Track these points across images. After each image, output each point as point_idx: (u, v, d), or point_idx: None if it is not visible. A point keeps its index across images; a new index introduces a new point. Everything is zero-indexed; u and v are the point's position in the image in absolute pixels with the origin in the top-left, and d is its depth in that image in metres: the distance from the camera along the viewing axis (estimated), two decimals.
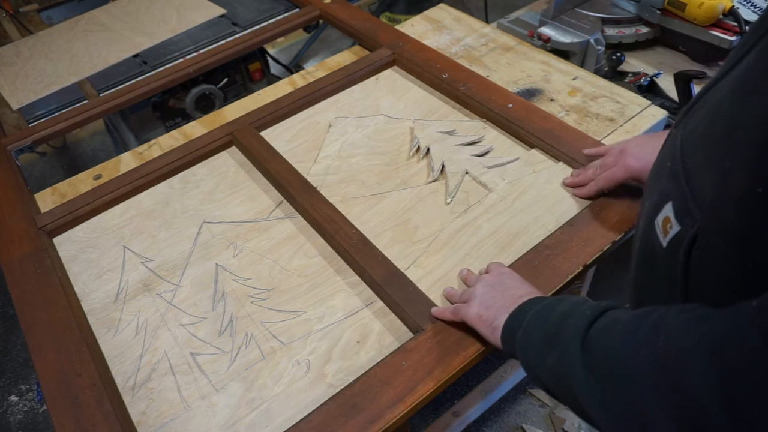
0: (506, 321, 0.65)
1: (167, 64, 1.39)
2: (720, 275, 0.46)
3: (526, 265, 0.81)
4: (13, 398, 1.76)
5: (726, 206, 0.44)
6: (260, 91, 1.24)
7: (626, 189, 0.85)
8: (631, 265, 0.62)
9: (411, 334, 0.77)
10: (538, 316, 0.61)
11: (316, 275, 0.87)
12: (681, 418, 0.40)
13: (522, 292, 0.69)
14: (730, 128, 0.45)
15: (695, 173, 0.49)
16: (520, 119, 1.02)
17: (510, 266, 0.81)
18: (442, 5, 1.46)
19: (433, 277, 0.84)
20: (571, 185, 0.91)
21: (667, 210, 0.52)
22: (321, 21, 1.49)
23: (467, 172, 0.98)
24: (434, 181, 0.98)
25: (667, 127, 0.79)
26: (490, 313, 0.68)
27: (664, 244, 0.52)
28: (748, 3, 1.36)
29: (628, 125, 1.07)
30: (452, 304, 0.78)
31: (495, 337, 0.67)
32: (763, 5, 1.35)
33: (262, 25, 1.46)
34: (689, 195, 0.49)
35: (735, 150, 0.44)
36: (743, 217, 0.43)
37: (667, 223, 0.52)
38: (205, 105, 1.54)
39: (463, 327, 0.74)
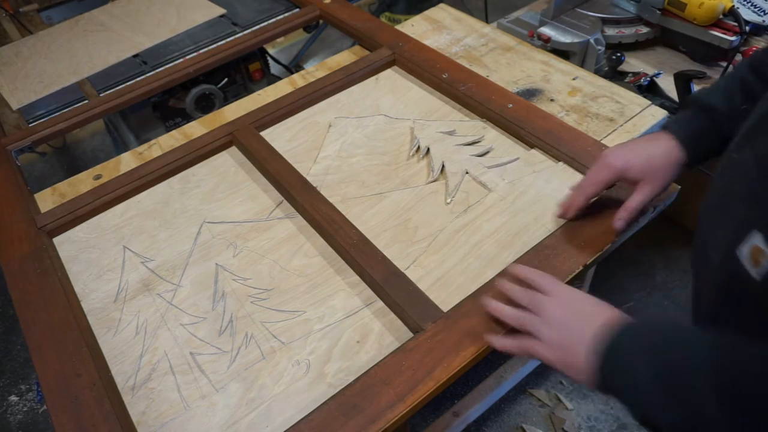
0: (595, 361, 0.57)
1: (167, 64, 1.39)
2: None
3: (526, 265, 0.80)
4: (13, 398, 1.76)
5: None
6: (260, 91, 1.24)
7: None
8: (702, 303, 0.58)
9: (411, 334, 0.77)
10: (641, 358, 0.54)
11: (316, 275, 0.87)
12: None
13: (598, 316, 0.61)
14: None
15: None
16: (520, 119, 1.02)
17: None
18: (442, 5, 1.46)
19: (433, 277, 0.84)
20: (562, 213, 0.85)
21: (755, 240, 0.48)
22: (321, 21, 1.49)
23: (467, 172, 0.98)
24: (434, 181, 0.98)
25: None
26: (569, 353, 0.60)
27: (758, 277, 0.48)
28: (748, 3, 1.36)
29: (628, 125, 1.07)
30: (507, 322, 0.71)
31: (583, 378, 0.59)
32: (764, 5, 1.35)
33: (262, 25, 1.46)
34: None
35: None
36: None
37: (758, 253, 0.48)
38: (205, 105, 1.54)
39: (463, 327, 0.74)
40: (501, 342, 0.70)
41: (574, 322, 0.62)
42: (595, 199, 0.83)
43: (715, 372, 0.47)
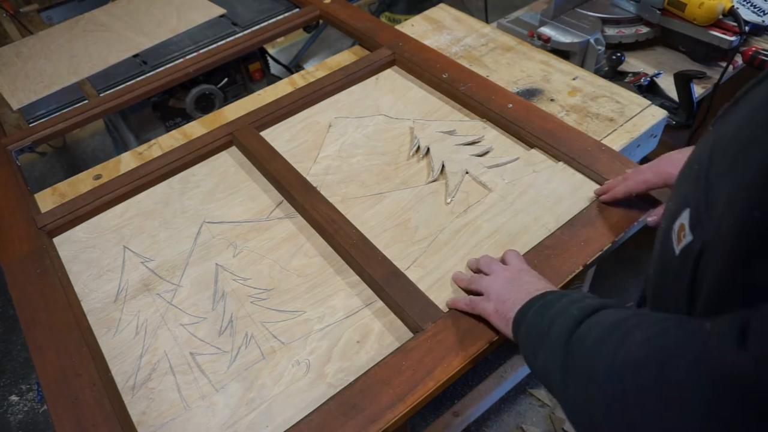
0: (515, 315, 0.67)
1: (167, 64, 1.39)
2: (716, 291, 0.45)
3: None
4: (14, 398, 1.76)
5: (726, 224, 0.43)
6: (260, 91, 1.24)
7: None
8: (651, 263, 0.61)
9: (411, 334, 0.77)
10: (538, 312, 0.62)
11: (316, 275, 0.87)
12: (622, 426, 0.42)
13: (538, 286, 0.69)
14: (749, 142, 0.43)
15: (715, 183, 0.47)
16: (520, 119, 1.02)
17: None
18: (442, 5, 1.46)
19: (433, 277, 0.84)
20: (600, 191, 0.88)
21: (684, 217, 0.50)
22: (321, 21, 1.49)
23: (467, 172, 0.98)
24: (434, 181, 0.98)
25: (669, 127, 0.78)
26: (506, 306, 0.69)
27: (677, 251, 0.51)
28: (748, 3, 1.36)
29: (628, 125, 1.07)
30: (461, 287, 0.79)
31: (507, 330, 0.68)
32: (763, 5, 1.35)
33: (262, 25, 1.46)
34: (704, 205, 0.47)
35: (745, 165, 0.42)
36: (738, 238, 0.42)
37: (681, 230, 0.51)
38: (205, 105, 1.54)
39: (463, 327, 0.74)
40: (453, 300, 0.77)
41: (517, 285, 0.71)
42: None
43: (568, 338, 0.53)
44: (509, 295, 0.70)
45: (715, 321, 0.39)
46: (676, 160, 0.76)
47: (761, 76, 0.49)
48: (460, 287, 0.80)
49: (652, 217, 0.82)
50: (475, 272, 0.81)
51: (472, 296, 0.76)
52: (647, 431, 0.40)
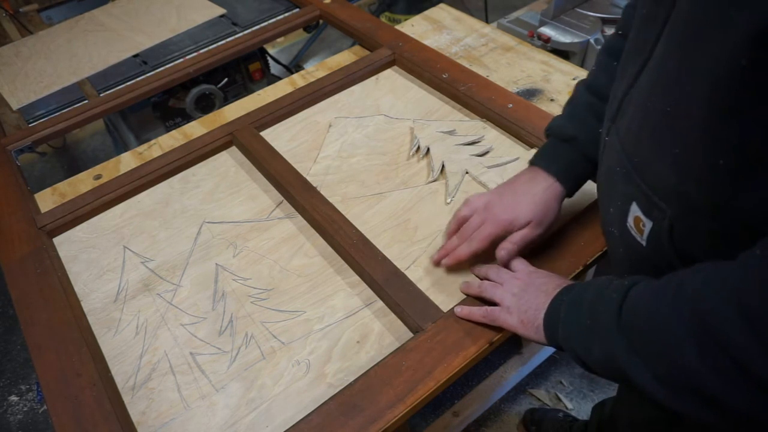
0: (544, 319, 0.65)
1: (167, 64, 1.39)
2: (707, 244, 0.50)
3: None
4: (13, 398, 1.76)
5: (689, 188, 0.48)
6: (260, 91, 1.24)
7: None
8: (618, 271, 0.64)
9: (411, 334, 0.77)
10: (571, 309, 0.61)
11: (316, 275, 0.87)
12: (725, 368, 0.42)
13: (553, 285, 0.68)
14: (667, 118, 0.48)
15: (646, 168, 0.52)
16: (520, 119, 1.02)
17: None
18: (442, 5, 1.46)
19: (433, 277, 0.84)
20: (439, 258, 0.82)
21: (634, 210, 0.55)
22: (321, 21, 1.49)
23: (467, 172, 0.98)
24: (434, 181, 0.98)
25: None
26: (530, 315, 0.67)
27: (644, 242, 0.55)
28: None
29: None
30: (470, 295, 0.77)
31: (540, 337, 0.66)
32: None
33: (262, 25, 1.46)
34: (649, 191, 0.52)
35: (680, 136, 0.47)
36: (708, 191, 0.46)
37: (638, 222, 0.54)
38: (205, 105, 1.54)
39: (463, 327, 0.74)
40: (468, 311, 0.74)
41: (533, 290, 0.69)
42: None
43: (618, 324, 0.52)
44: (529, 302, 0.68)
45: (762, 246, 0.41)
46: (503, 207, 0.76)
47: (628, 83, 0.58)
48: (469, 295, 0.78)
49: (502, 251, 0.77)
50: (482, 279, 0.79)
51: (487, 307, 0.73)
52: (747, 360, 0.40)
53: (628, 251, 0.59)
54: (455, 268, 0.84)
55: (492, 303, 0.73)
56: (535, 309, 0.67)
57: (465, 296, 0.79)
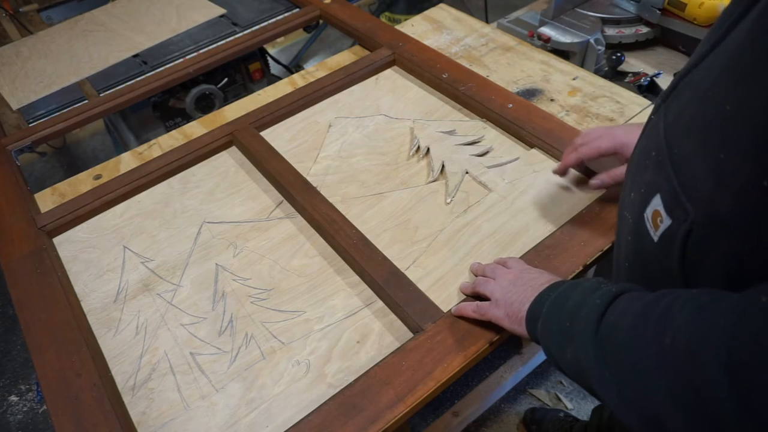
0: (527, 311, 0.65)
1: (167, 64, 1.39)
2: (719, 265, 0.46)
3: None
4: (13, 398, 1.76)
5: (724, 199, 0.43)
6: (260, 91, 1.24)
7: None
8: (620, 258, 0.61)
9: (411, 334, 0.77)
10: (554, 306, 0.60)
11: (316, 275, 0.87)
12: (694, 413, 0.39)
13: (542, 280, 0.68)
14: (723, 117, 0.42)
15: (684, 164, 0.47)
16: (520, 119, 1.02)
17: None
18: (442, 5, 1.46)
19: (433, 277, 0.84)
20: (558, 167, 0.90)
21: (656, 203, 0.50)
22: (321, 21, 1.49)
23: (467, 172, 0.98)
24: (434, 181, 0.98)
25: None
26: (515, 308, 0.68)
27: (655, 238, 0.51)
28: None
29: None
30: (465, 294, 0.78)
31: (522, 330, 0.66)
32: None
33: (262, 25, 1.46)
34: (679, 187, 0.47)
35: (731, 141, 0.41)
36: (743, 210, 0.42)
37: (657, 216, 0.51)
38: (205, 105, 1.54)
39: (463, 327, 0.74)
40: (460, 307, 0.76)
41: (522, 284, 0.69)
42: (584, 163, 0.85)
43: (596, 331, 0.51)
44: (516, 296, 0.69)
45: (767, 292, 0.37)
46: (627, 130, 0.79)
47: (693, 61, 0.50)
48: (465, 294, 0.79)
49: (596, 180, 0.83)
50: (478, 268, 0.81)
51: (478, 302, 0.74)
52: (726, 413, 0.37)
53: (636, 241, 0.56)
54: (458, 268, 0.84)
55: (486, 298, 0.74)
56: (520, 302, 0.67)
57: (466, 297, 0.79)
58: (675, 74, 0.56)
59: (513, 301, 0.68)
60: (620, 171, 0.78)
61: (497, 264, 0.77)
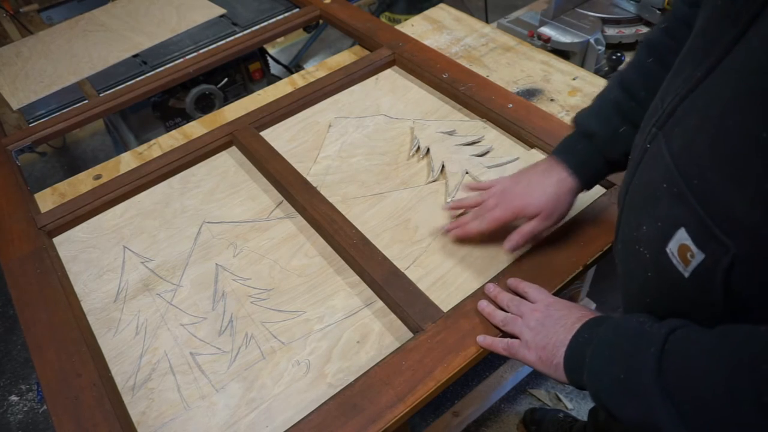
0: (565, 360, 0.61)
1: (167, 64, 1.39)
2: None
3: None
4: (13, 398, 1.76)
5: None
6: (260, 91, 1.24)
7: None
8: (632, 292, 0.59)
9: (411, 334, 0.77)
10: (599, 354, 0.57)
11: (316, 275, 0.87)
12: None
13: (572, 319, 0.64)
14: (758, 146, 0.40)
15: (710, 196, 0.44)
16: (520, 119, 1.02)
17: (510, 266, 0.82)
18: (442, 5, 1.46)
19: (433, 276, 0.84)
20: (451, 228, 0.85)
21: (681, 237, 0.47)
22: (321, 21, 1.49)
23: (467, 172, 0.98)
24: (434, 181, 0.98)
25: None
26: (548, 352, 0.64)
27: (686, 274, 0.48)
28: None
29: None
30: (493, 324, 0.74)
31: (560, 376, 0.62)
32: None
33: (262, 25, 1.46)
34: (709, 220, 0.44)
35: (764, 170, 0.39)
36: None
37: (686, 251, 0.47)
38: (205, 105, 1.54)
39: (463, 327, 0.74)
40: (489, 342, 0.73)
41: (551, 324, 0.66)
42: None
43: (661, 369, 0.48)
44: (547, 338, 0.65)
45: None
46: (518, 194, 0.77)
47: (688, 86, 0.48)
48: (483, 314, 0.75)
49: (510, 243, 0.78)
50: (502, 300, 0.76)
51: (509, 340, 0.70)
52: None
53: (661, 277, 0.52)
54: (458, 268, 0.84)
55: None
56: (553, 345, 0.63)
57: (466, 297, 0.79)
58: (661, 99, 0.54)
59: (545, 344, 0.65)
60: (529, 227, 0.76)
61: (521, 300, 0.73)
